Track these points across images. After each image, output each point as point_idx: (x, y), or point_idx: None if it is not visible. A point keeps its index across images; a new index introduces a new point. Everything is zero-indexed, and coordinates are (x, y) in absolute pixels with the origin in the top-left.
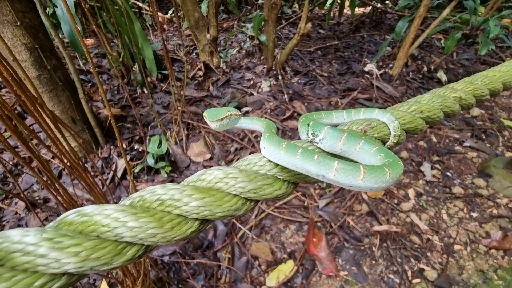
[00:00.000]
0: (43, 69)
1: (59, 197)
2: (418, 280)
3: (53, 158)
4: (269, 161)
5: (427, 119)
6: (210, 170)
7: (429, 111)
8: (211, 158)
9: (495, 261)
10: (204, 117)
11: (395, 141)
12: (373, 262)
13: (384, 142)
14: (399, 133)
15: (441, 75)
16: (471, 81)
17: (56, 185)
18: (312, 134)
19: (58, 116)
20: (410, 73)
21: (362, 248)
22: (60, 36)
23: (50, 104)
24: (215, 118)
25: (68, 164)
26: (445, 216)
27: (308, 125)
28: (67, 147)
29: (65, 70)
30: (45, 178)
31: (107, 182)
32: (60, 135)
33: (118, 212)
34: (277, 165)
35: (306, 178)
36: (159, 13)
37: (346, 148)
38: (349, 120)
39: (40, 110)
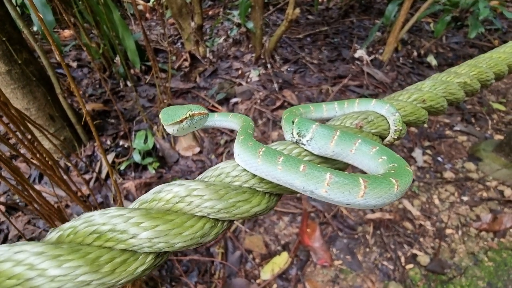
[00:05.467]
0: (13, 64)
1: (34, 203)
2: (411, 266)
3: (32, 158)
4: (245, 170)
5: (429, 109)
6: (169, 186)
7: (432, 99)
8: (200, 152)
9: (485, 243)
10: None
11: (396, 137)
12: (367, 250)
13: (382, 139)
14: (400, 127)
15: (431, 60)
16: (475, 64)
17: (30, 191)
18: (298, 133)
19: (30, 114)
20: (400, 58)
21: (356, 236)
22: (36, 28)
23: (24, 101)
24: (171, 120)
25: (43, 166)
26: (436, 201)
27: (293, 122)
28: (39, 148)
29: (38, 64)
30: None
31: (92, 181)
32: (30, 135)
33: (35, 257)
34: (255, 174)
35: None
36: (141, 1)
37: (339, 150)
38: (341, 113)
39: (5, 109)
